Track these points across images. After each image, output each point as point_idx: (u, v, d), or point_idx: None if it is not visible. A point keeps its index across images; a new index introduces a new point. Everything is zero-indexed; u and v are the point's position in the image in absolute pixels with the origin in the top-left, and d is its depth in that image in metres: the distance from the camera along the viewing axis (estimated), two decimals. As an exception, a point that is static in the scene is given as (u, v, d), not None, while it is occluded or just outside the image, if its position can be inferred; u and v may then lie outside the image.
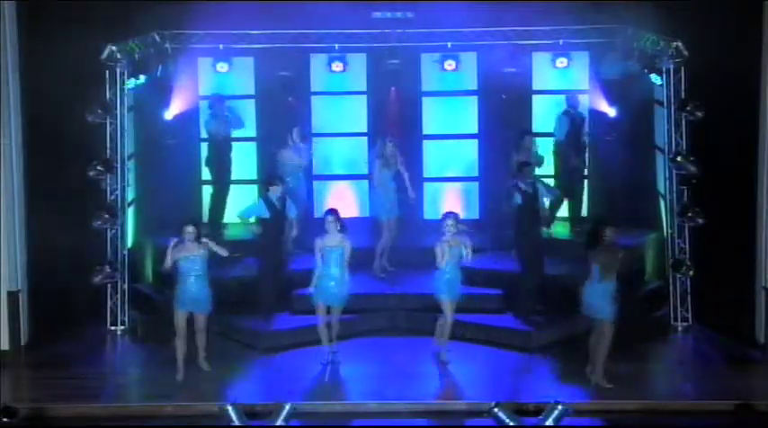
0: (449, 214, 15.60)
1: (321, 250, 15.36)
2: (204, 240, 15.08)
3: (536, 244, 16.62)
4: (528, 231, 16.48)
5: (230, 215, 18.88)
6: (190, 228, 15.01)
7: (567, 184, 18.34)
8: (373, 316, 16.94)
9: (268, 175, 17.14)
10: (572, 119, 18.38)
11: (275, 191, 16.44)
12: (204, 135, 18.89)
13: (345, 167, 19.64)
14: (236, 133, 18.83)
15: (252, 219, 16.92)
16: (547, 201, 16.94)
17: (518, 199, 16.39)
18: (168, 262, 15.00)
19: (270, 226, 16.54)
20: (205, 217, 18.87)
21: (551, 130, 18.70)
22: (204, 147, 19.11)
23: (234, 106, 18.85)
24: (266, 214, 16.46)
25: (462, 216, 19.33)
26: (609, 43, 18.28)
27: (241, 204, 18.66)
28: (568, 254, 17.77)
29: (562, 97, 18.81)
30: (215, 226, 18.50)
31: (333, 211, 15.57)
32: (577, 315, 16.16)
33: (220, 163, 18.62)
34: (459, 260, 15.41)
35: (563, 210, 18.67)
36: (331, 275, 15.40)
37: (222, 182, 18.76)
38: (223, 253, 15.12)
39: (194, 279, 15.00)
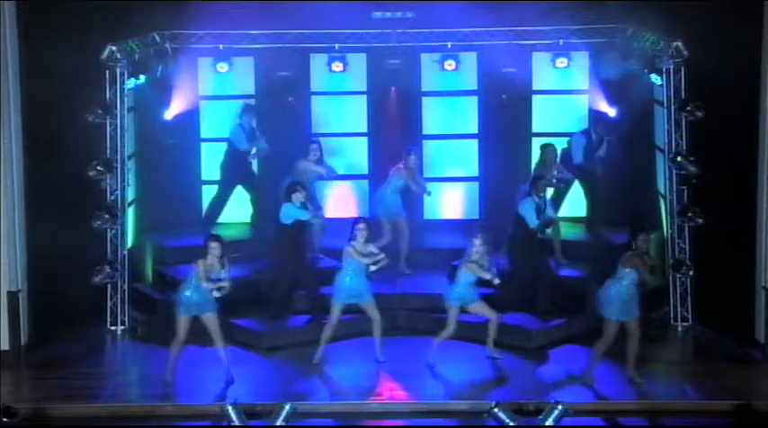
0: (477, 234, 15.61)
1: (349, 256, 15.43)
2: (225, 261, 14.94)
3: (543, 252, 16.73)
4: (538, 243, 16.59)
5: (228, 215, 18.92)
6: (215, 244, 14.90)
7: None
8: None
9: (290, 183, 17.08)
10: (589, 141, 18.37)
11: (298, 199, 16.50)
12: (212, 135, 18.89)
13: (345, 167, 19.61)
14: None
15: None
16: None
17: (530, 210, 16.56)
18: (204, 279, 14.83)
19: (292, 230, 16.61)
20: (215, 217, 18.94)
21: (552, 130, 18.81)
22: (205, 147, 19.20)
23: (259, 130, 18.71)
24: (301, 216, 16.56)
25: (462, 216, 19.53)
26: (609, 43, 18.27)
27: (239, 205, 18.80)
28: (570, 255, 17.83)
29: (563, 97, 18.86)
30: (210, 227, 18.53)
31: (363, 219, 15.79)
32: (577, 315, 16.22)
33: (238, 169, 18.54)
34: (477, 281, 15.48)
35: (564, 211, 18.71)
36: (357, 280, 15.49)
37: (229, 187, 18.70)
38: (219, 290, 14.93)
39: (204, 286, 14.94)
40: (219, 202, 18.70)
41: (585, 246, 18.08)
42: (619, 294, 14.78)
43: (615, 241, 17.40)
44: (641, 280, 14.85)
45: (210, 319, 14.94)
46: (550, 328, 16.60)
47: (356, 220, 15.77)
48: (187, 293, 14.89)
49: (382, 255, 15.59)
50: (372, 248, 15.59)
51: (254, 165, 18.75)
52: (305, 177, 17.53)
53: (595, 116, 18.81)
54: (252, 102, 18.87)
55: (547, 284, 16.88)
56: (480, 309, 15.68)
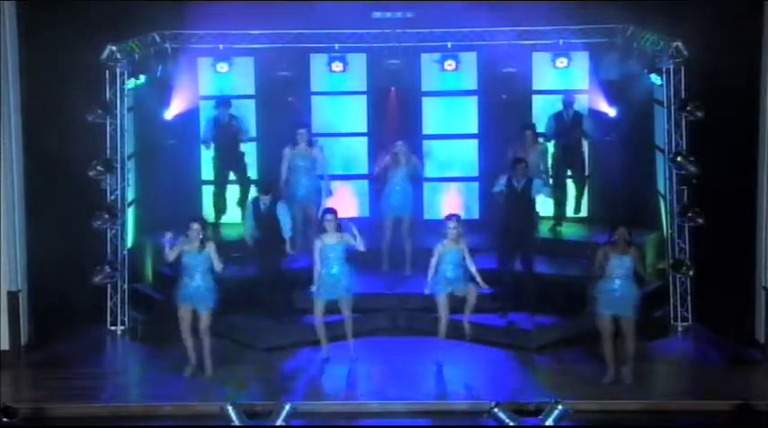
0: (451, 216, 15.61)
1: (320, 249, 15.40)
2: (209, 244, 15.05)
3: (521, 241, 16.66)
4: (512, 228, 16.51)
5: (229, 215, 18.91)
6: (195, 225, 15.04)
7: (555, 183, 18.36)
8: (373, 316, 16.95)
9: (263, 182, 17.09)
10: (561, 120, 18.40)
11: (264, 200, 16.45)
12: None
13: (345, 167, 19.63)
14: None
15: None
16: (544, 199, 17.05)
17: (501, 188, 16.54)
18: (170, 256, 15.07)
19: (259, 230, 16.54)
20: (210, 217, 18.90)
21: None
22: (205, 147, 19.20)
23: (241, 116, 18.73)
24: (252, 218, 16.51)
25: (462, 216, 19.50)
26: (609, 43, 18.29)
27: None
28: (568, 253, 17.83)
29: (559, 97, 18.88)
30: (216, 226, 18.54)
31: (331, 210, 15.63)
32: (577, 315, 16.21)
33: (226, 165, 18.58)
34: (461, 261, 15.42)
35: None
36: (332, 273, 15.44)
37: (222, 184, 18.75)
38: (218, 266, 15.08)
39: (199, 275, 15.00)
40: (215, 198, 18.70)
41: (585, 246, 18.06)
42: (605, 286, 14.76)
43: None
44: (630, 273, 14.81)
45: (203, 316, 14.99)
46: (551, 328, 16.60)
47: (324, 211, 15.70)
48: (181, 285, 15.05)
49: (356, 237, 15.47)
50: (343, 236, 15.43)
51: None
52: (294, 168, 17.46)
53: (594, 116, 18.78)
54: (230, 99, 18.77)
55: (528, 279, 16.81)
56: (470, 294, 15.54)
